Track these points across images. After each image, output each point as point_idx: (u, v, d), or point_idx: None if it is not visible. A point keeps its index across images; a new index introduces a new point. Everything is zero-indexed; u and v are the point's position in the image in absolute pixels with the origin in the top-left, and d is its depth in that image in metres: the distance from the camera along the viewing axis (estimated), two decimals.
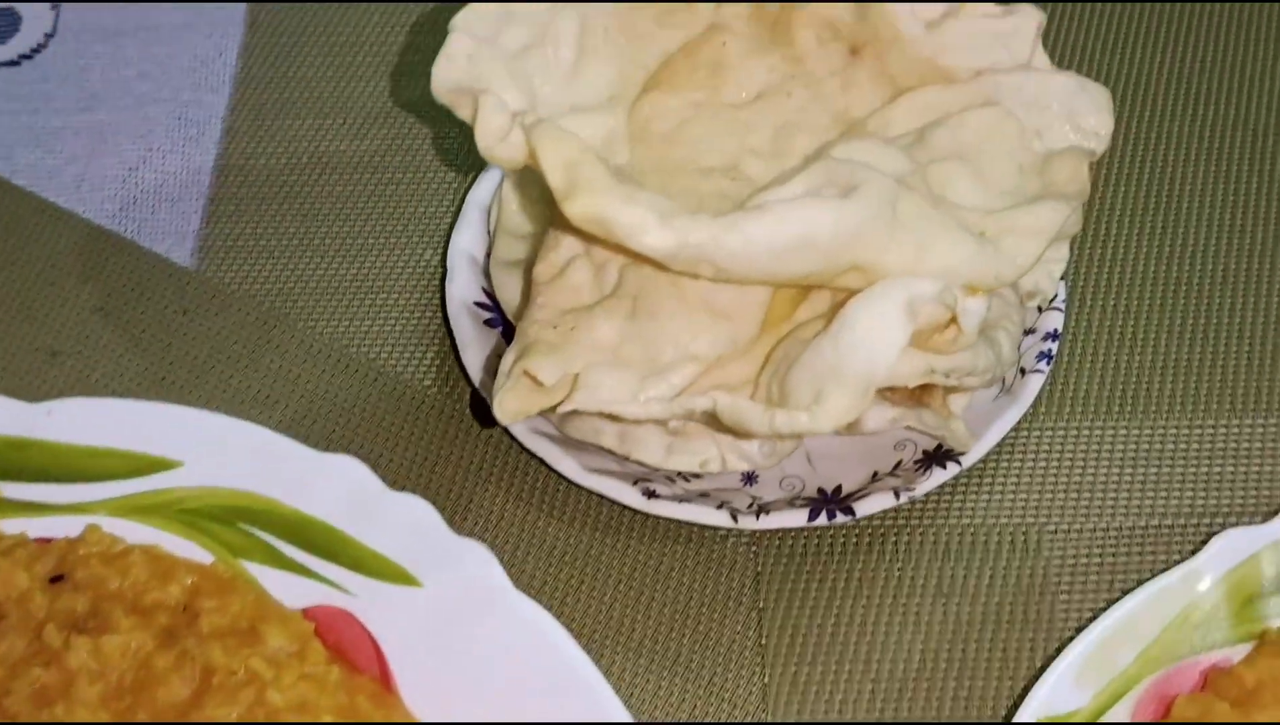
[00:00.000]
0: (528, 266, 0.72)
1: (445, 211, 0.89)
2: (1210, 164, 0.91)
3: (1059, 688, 0.64)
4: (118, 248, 0.88)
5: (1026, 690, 0.65)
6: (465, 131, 0.68)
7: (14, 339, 0.83)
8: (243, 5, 1.01)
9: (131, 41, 0.99)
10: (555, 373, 0.64)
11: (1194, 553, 0.69)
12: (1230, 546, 0.68)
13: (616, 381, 0.65)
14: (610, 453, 0.74)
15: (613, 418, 0.70)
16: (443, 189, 0.91)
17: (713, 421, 0.65)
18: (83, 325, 0.84)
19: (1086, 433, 0.79)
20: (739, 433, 0.64)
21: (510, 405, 0.65)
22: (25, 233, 0.88)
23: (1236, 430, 0.79)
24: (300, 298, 0.86)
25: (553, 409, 0.65)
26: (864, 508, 0.73)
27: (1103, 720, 0.64)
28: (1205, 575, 0.67)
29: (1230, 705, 0.63)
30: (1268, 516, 0.70)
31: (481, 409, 0.72)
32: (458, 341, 0.79)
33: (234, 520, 0.72)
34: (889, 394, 0.74)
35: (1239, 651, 0.66)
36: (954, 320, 0.60)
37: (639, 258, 0.65)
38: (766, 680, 0.71)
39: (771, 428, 0.61)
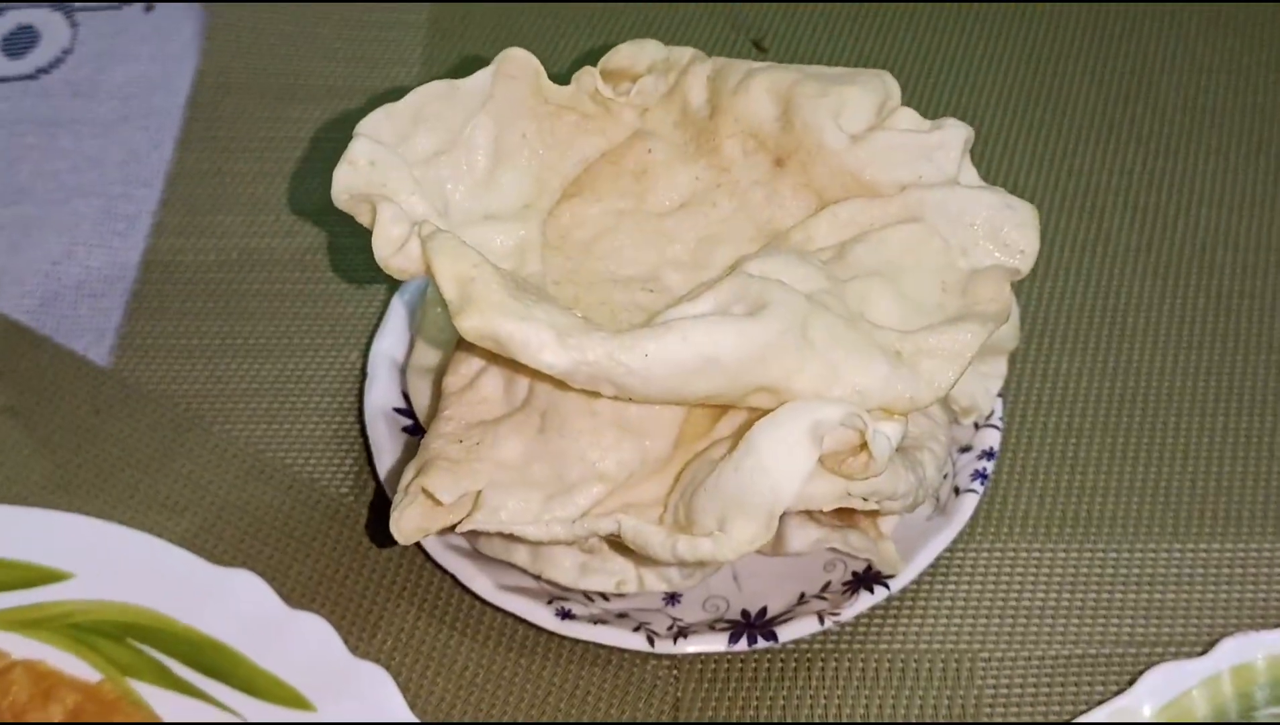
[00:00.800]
0: (438, 375, 0.69)
1: (373, 313, 0.87)
2: (1156, 278, 0.89)
3: None
4: (33, 344, 0.85)
5: None
6: None
7: None
8: (182, 98, 0.99)
9: (66, 133, 0.97)
10: (455, 491, 0.61)
11: (1131, 683, 0.66)
12: (1165, 681, 0.65)
13: (519, 501, 0.61)
14: (524, 571, 0.70)
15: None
16: (372, 291, 0.88)
17: (620, 544, 0.62)
18: None
19: (1024, 555, 0.76)
20: (644, 556, 0.61)
21: (407, 525, 0.62)
22: None
23: (1179, 555, 0.76)
24: (218, 399, 0.83)
25: (452, 528, 0.62)
26: (787, 633, 0.69)
27: None
28: (1139, 710, 0.64)
29: None
30: (1206, 649, 0.67)
31: (381, 526, 0.68)
32: (373, 449, 0.76)
33: (124, 637, 0.68)
34: (816, 514, 0.71)
35: None
36: (865, 445, 0.57)
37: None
38: None
39: (675, 555, 0.58)
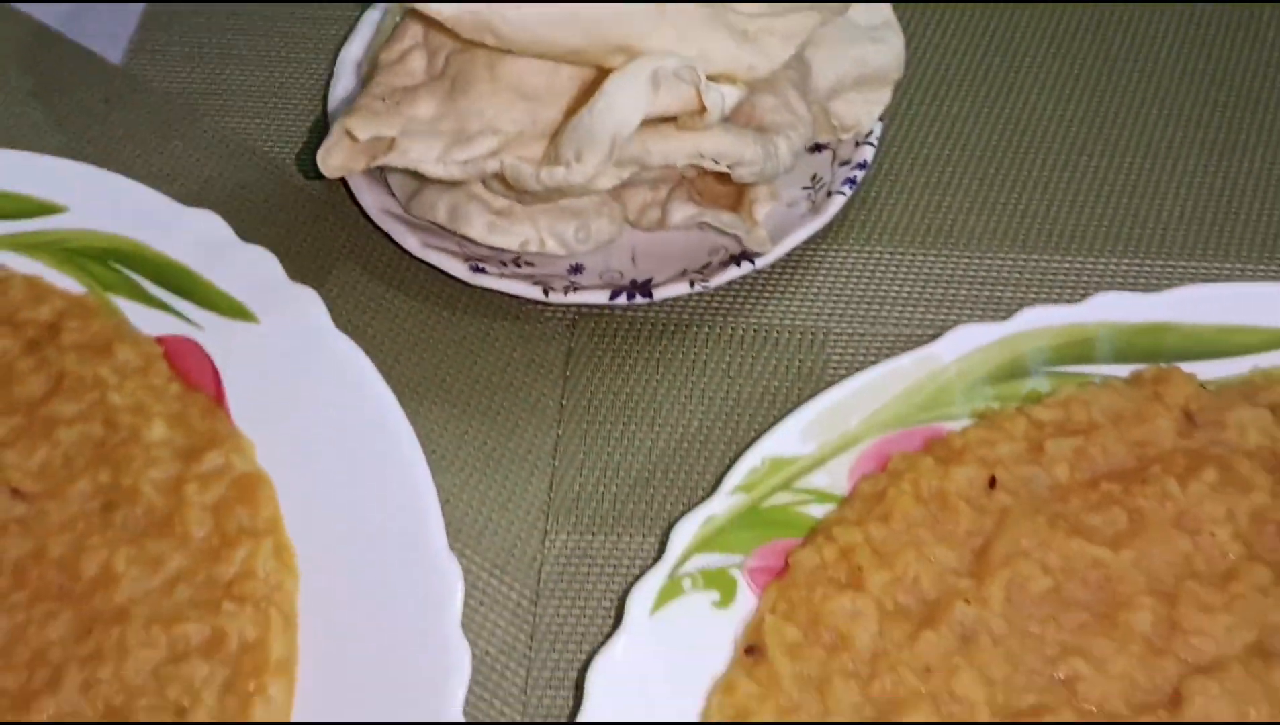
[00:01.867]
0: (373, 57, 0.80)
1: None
2: (1047, 39, 0.97)
3: (785, 439, 0.72)
4: (56, 42, 0.98)
5: None
6: None
7: None
8: None
9: None
10: (372, 132, 0.72)
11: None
12: (965, 338, 0.75)
13: (425, 146, 0.73)
14: (446, 231, 0.82)
15: (439, 189, 0.78)
16: (348, 10, 0.99)
17: (503, 184, 0.73)
18: (15, 106, 0.94)
19: (885, 256, 0.86)
20: (519, 190, 0.72)
21: (332, 161, 0.73)
22: None
23: (1023, 263, 0.85)
24: (214, 97, 0.95)
25: (368, 166, 0.73)
26: (661, 292, 0.81)
27: (816, 475, 0.71)
28: (940, 359, 0.75)
29: (935, 461, 0.71)
30: (1007, 316, 0.77)
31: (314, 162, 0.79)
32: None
33: (107, 259, 0.81)
34: (696, 196, 0.81)
35: (958, 424, 0.73)
36: (740, 81, 0.68)
37: (462, 42, 0.73)
38: (560, 433, 0.79)
39: (540, 182, 0.69)
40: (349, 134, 0.73)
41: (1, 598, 0.68)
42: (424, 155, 0.73)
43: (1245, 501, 0.69)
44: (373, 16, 0.93)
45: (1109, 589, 0.67)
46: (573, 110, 0.74)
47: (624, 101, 0.66)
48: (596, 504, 0.77)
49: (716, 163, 0.73)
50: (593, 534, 0.76)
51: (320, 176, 0.83)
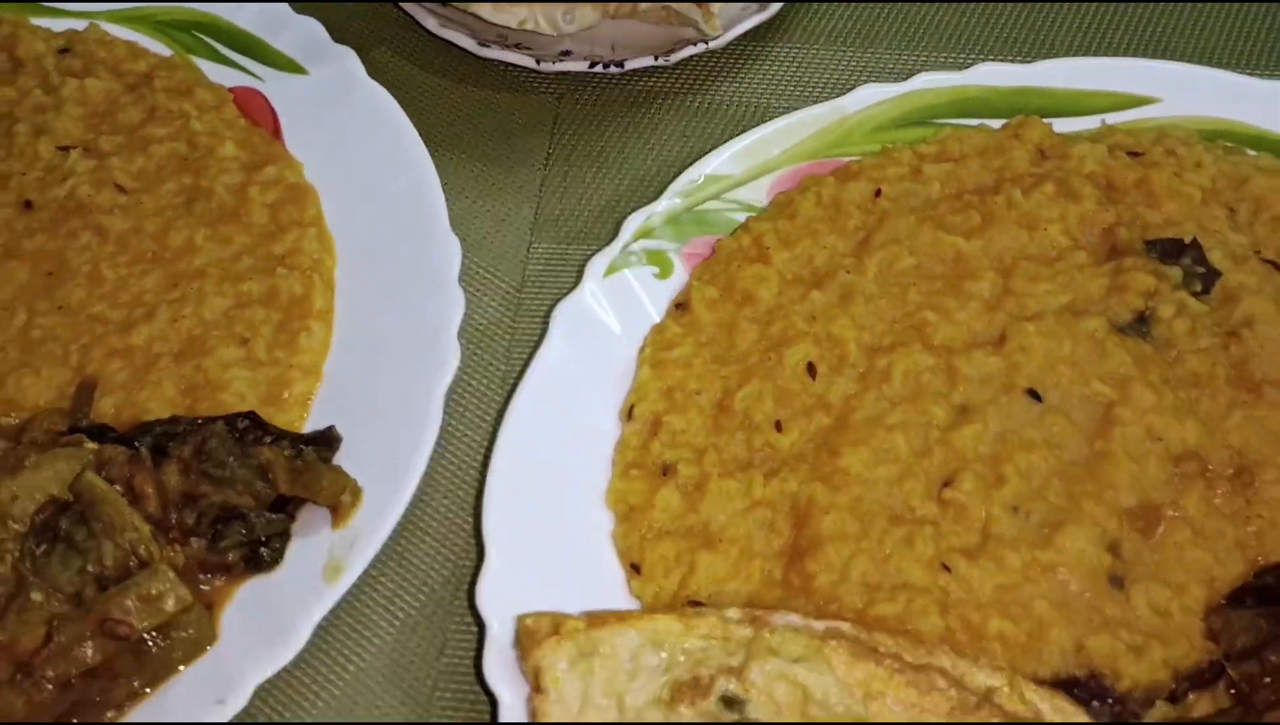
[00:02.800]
0: None
1: None
2: None
3: (720, 160, 0.91)
4: None
5: None
6: None
7: None
8: None
9: None
10: None
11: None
12: (868, 94, 0.94)
13: None
14: (459, 12, 1.01)
15: None
16: None
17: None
18: None
19: (821, 55, 1.04)
20: None
21: None
22: None
23: (921, 56, 1.04)
24: None
25: None
26: (631, 64, 1.00)
27: (743, 190, 0.90)
28: (845, 109, 0.93)
29: (835, 179, 0.89)
30: (907, 78, 0.95)
31: None
32: None
33: (189, 28, 1.01)
34: None
35: (858, 157, 0.92)
36: None
37: None
38: (545, 174, 0.98)
39: None
40: None
41: (110, 258, 0.89)
42: None
43: (1076, 208, 0.87)
44: None
45: (960, 266, 0.86)
46: None
47: None
48: (570, 224, 0.96)
49: None
50: (567, 244, 0.95)
51: None
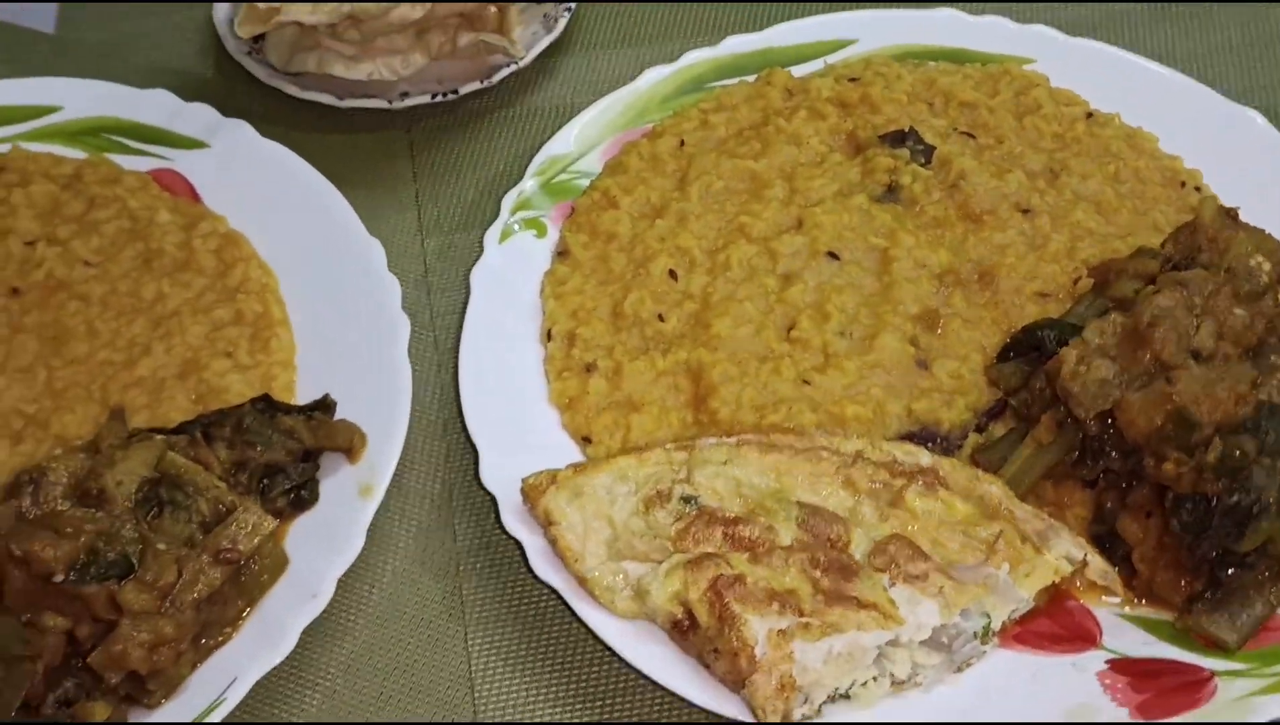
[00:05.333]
0: None
1: None
2: None
3: (559, 143, 1.14)
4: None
5: None
6: None
7: None
8: None
9: None
10: (267, 3, 1.12)
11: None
12: (652, 74, 1.19)
13: (300, 6, 1.13)
14: (314, 76, 1.21)
15: (313, 47, 1.18)
16: None
17: (364, 24, 1.14)
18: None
19: (597, 55, 1.29)
20: (381, 25, 1.13)
21: (244, 27, 1.13)
22: None
23: (687, 42, 1.30)
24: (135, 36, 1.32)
25: (267, 21, 1.13)
26: (464, 90, 1.22)
27: (581, 163, 1.14)
28: (639, 89, 1.18)
29: (647, 140, 1.14)
30: (676, 60, 1.21)
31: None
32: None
33: (97, 133, 1.18)
34: (471, 21, 1.23)
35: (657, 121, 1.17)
36: None
37: None
38: (417, 187, 1.20)
39: (382, 10, 1.10)
40: (252, 5, 1.13)
41: (99, 316, 1.06)
42: (301, 11, 1.13)
43: (824, 124, 1.15)
44: None
45: (755, 180, 1.12)
46: None
47: None
48: (447, 220, 1.18)
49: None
50: (449, 234, 1.17)
51: (227, 57, 1.23)
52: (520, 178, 1.17)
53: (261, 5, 1.13)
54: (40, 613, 0.84)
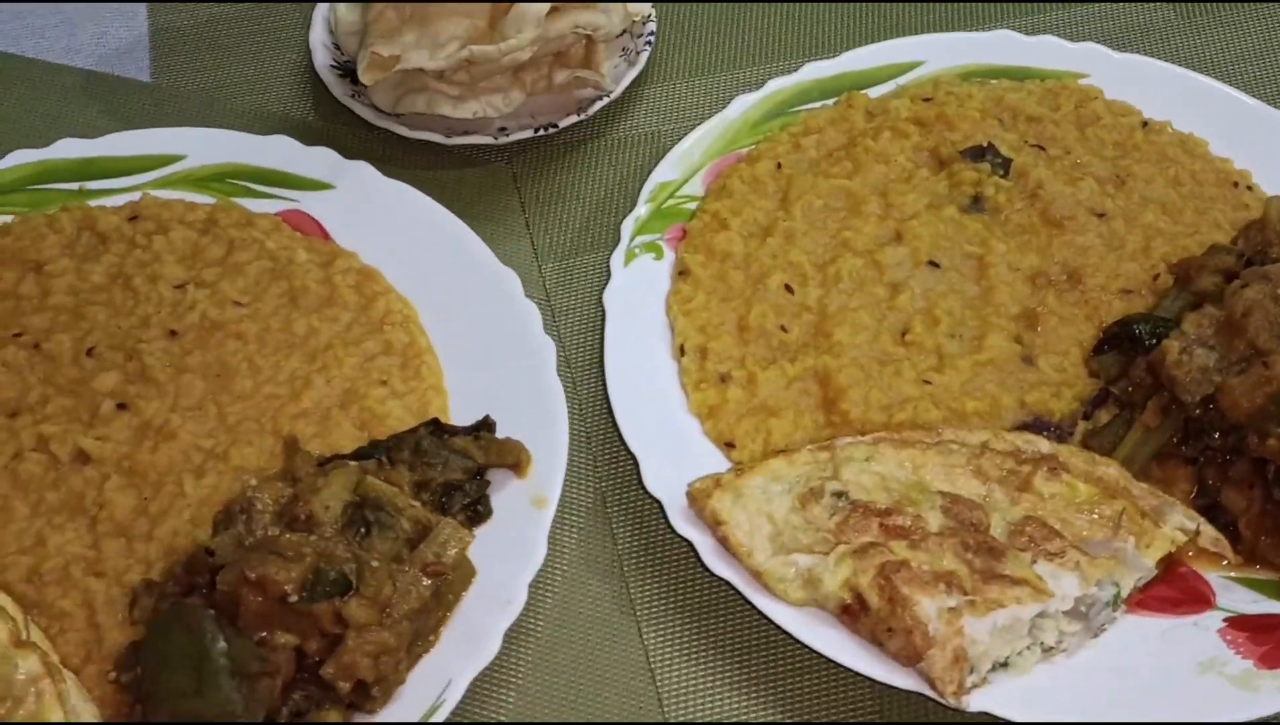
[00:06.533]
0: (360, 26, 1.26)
1: None
2: None
3: (663, 171, 1.22)
4: (101, 80, 1.38)
5: None
6: None
7: None
8: None
9: None
10: (388, 52, 1.18)
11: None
12: (739, 103, 1.27)
13: (418, 53, 1.19)
14: (423, 117, 1.28)
15: (421, 90, 1.25)
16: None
17: (475, 67, 1.20)
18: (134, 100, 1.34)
19: (678, 83, 1.37)
20: (491, 68, 1.20)
21: (368, 74, 1.19)
22: None
23: (761, 69, 1.38)
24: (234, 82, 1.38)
25: (389, 69, 1.19)
26: (563, 123, 1.29)
27: (686, 188, 1.21)
28: (728, 116, 1.26)
29: (744, 163, 1.22)
30: (760, 87, 1.28)
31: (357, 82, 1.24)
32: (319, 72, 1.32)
33: (224, 179, 1.24)
34: (562, 59, 1.30)
35: (752, 147, 1.25)
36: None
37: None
38: (526, 216, 1.27)
39: (500, 53, 1.17)
40: (375, 53, 1.19)
41: (257, 353, 1.11)
42: (420, 59, 1.19)
43: (908, 142, 1.23)
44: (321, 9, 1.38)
45: (851, 198, 1.20)
46: (492, 20, 1.22)
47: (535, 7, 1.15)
48: (561, 245, 1.25)
49: (583, 29, 1.22)
50: (564, 259, 1.24)
51: (327, 101, 1.29)
52: (621, 203, 1.25)
53: (385, 54, 1.19)
54: (273, 632, 0.90)
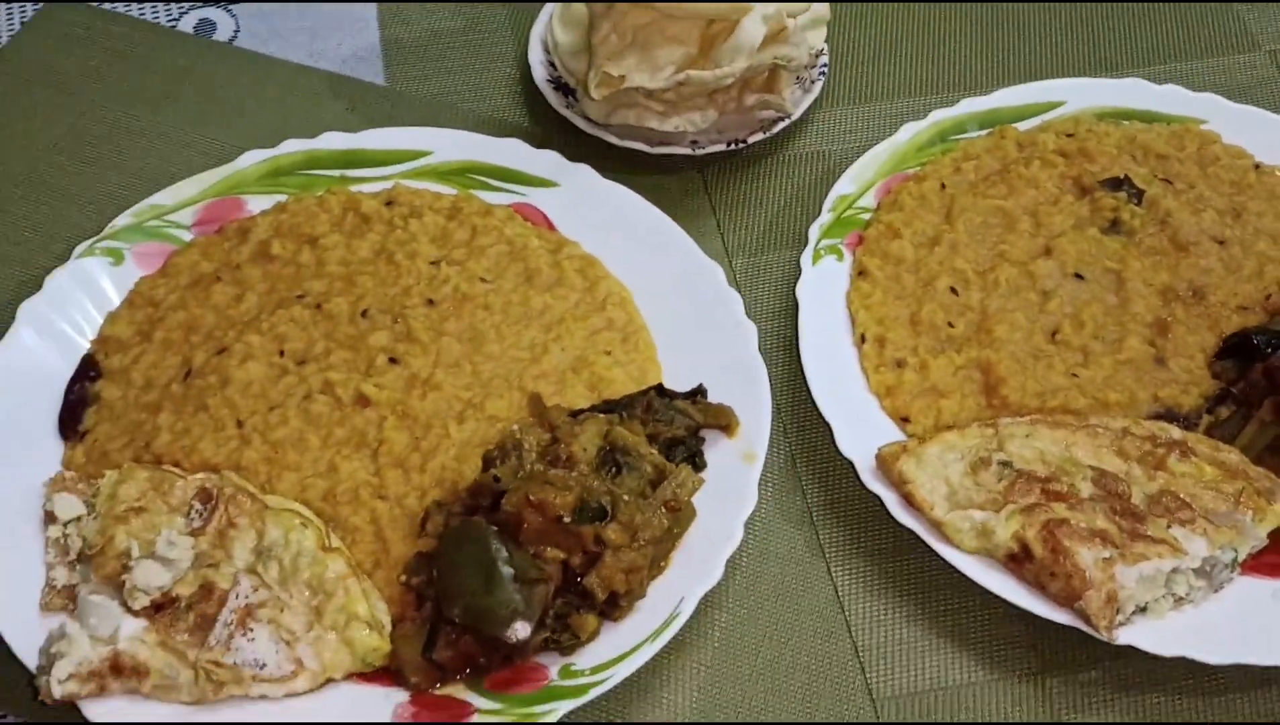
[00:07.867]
0: (585, 46, 1.44)
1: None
2: None
3: (842, 185, 1.39)
4: (343, 82, 1.57)
5: None
6: None
7: None
8: None
9: None
10: (616, 72, 1.36)
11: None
12: (907, 130, 1.44)
13: (640, 74, 1.37)
14: (631, 129, 1.46)
15: (631, 105, 1.43)
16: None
17: (685, 87, 1.38)
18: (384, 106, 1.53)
19: (863, 110, 1.54)
20: (699, 89, 1.37)
21: (598, 91, 1.37)
22: None
23: (927, 99, 1.55)
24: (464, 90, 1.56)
25: (617, 87, 1.37)
26: (751, 140, 1.47)
27: (861, 200, 1.39)
28: (898, 140, 1.43)
29: (913, 181, 1.39)
30: (923, 116, 1.46)
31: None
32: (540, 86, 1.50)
33: (464, 173, 1.42)
34: (750, 84, 1.47)
35: (918, 167, 1.42)
36: (784, 28, 1.35)
37: (635, 15, 1.38)
38: (717, 217, 1.44)
39: (714, 79, 1.35)
40: (606, 73, 1.37)
41: (502, 321, 1.29)
42: (642, 79, 1.37)
43: (1054, 171, 1.40)
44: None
45: (1006, 216, 1.37)
46: (703, 48, 1.40)
47: (752, 29, 1.33)
48: (749, 244, 1.42)
49: (784, 63, 1.40)
50: (751, 256, 1.41)
51: (543, 109, 1.47)
52: (797, 210, 1.43)
53: (615, 73, 1.37)
54: (546, 547, 1.08)
